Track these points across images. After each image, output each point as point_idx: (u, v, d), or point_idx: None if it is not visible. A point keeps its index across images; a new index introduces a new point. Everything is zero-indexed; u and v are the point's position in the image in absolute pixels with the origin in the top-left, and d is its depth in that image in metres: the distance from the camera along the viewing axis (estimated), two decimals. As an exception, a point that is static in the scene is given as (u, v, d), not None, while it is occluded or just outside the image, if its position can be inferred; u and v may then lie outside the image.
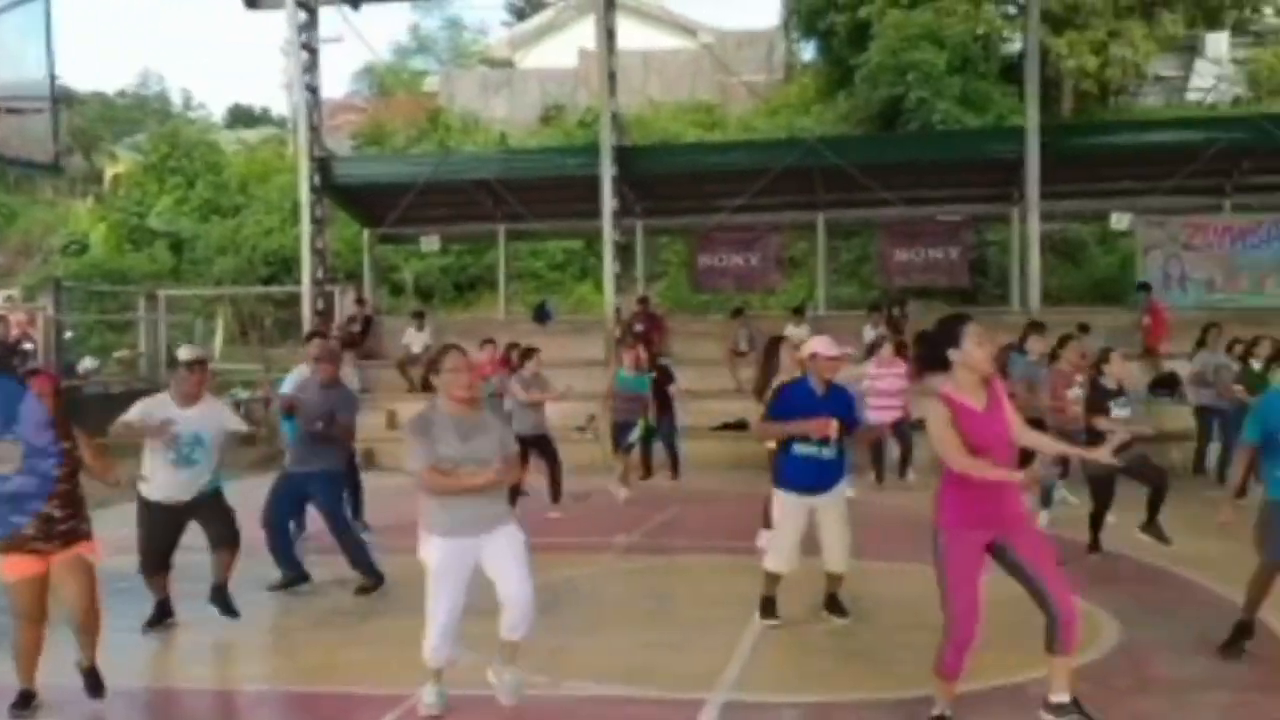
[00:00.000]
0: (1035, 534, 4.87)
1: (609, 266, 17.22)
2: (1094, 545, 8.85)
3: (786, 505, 6.91)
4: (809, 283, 21.02)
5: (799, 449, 6.81)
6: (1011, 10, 25.67)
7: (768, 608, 6.94)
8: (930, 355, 4.87)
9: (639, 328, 17.07)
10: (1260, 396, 6.46)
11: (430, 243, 19.92)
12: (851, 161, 16.75)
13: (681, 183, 18.50)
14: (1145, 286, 16.42)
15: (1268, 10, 28.14)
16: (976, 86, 23.23)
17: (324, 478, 8.29)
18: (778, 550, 6.91)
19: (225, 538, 7.14)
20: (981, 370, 4.76)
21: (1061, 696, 4.82)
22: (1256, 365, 11.45)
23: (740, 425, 16.12)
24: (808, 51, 31.07)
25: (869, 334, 15.18)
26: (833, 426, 6.62)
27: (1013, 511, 4.78)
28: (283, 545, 8.20)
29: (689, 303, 21.83)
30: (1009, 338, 11.02)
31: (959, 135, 20.48)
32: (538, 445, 11.23)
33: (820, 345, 7.00)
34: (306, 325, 18.08)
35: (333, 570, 8.36)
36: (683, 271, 21.56)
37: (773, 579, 6.94)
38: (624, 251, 18.39)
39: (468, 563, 5.25)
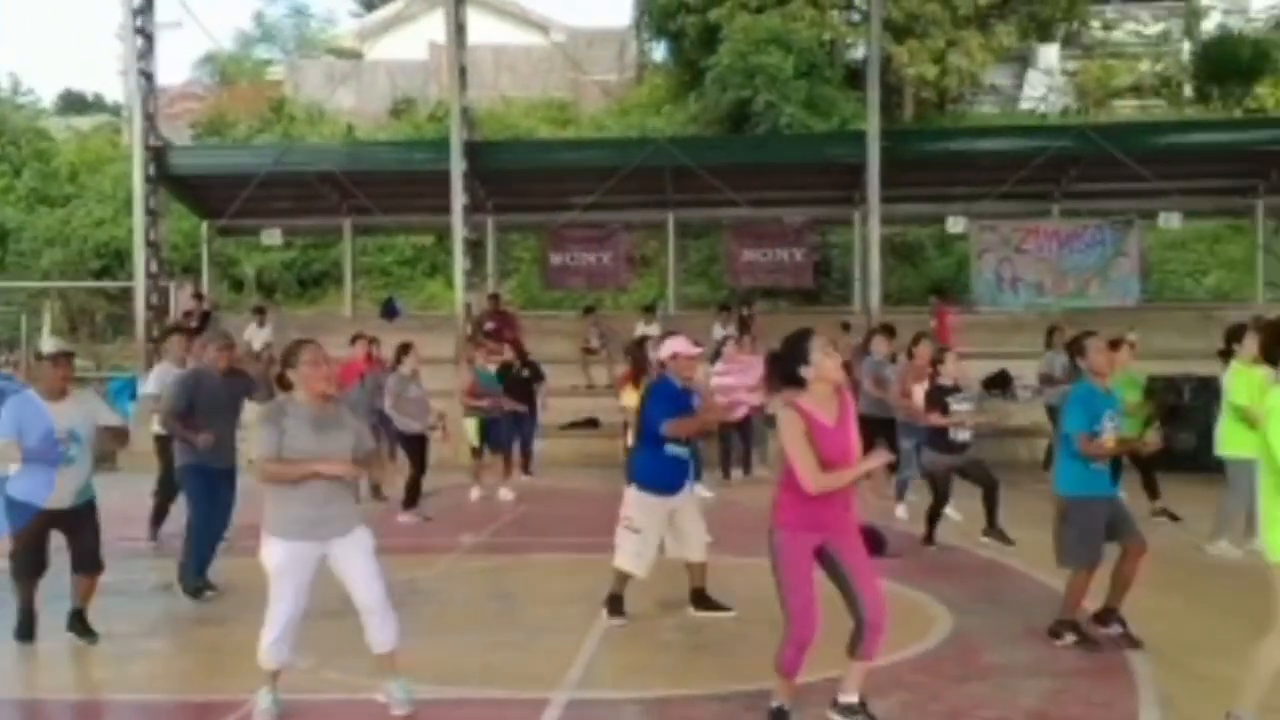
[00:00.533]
0: (860, 542, 4.98)
1: (459, 263, 17.04)
2: (929, 539, 9.16)
3: (649, 506, 6.88)
4: (660, 281, 21.20)
5: (671, 449, 6.84)
6: (855, 18, 26.33)
7: (616, 606, 6.94)
8: (783, 373, 4.92)
9: (490, 325, 16.96)
10: (1075, 388, 6.72)
11: (272, 236, 19.40)
12: (701, 162, 16.96)
13: (533, 179, 18.44)
14: (938, 291, 17.05)
15: (1095, 24, 29.51)
16: (822, 92, 23.75)
17: (232, 474, 7.89)
18: (638, 553, 6.87)
19: (90, 562, 6.64)
20: (833, 379, 4.85)
21: (850, 697, 4.94)
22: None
23: (591, 423, 16.17)
24: (659, 52, 31.30)
25: (718, 332, 15.38)
26: (740, 410, 6.75)
27: (843, 516, 4.89)
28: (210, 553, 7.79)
29: (540, 300, 21.77)
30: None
31: (804, 139, 20.91)
32: (411, 445, 11.10)
33: (680, 345, 7.07)
34: (141, 321, 17.39)
35: (165, 574, 8.07)
36: (534, 268, 21.49)
37: (624, 578, 6.94)
38: (475, 248, 18.23)
39: (309, 566, 5.10)
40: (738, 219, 18.78)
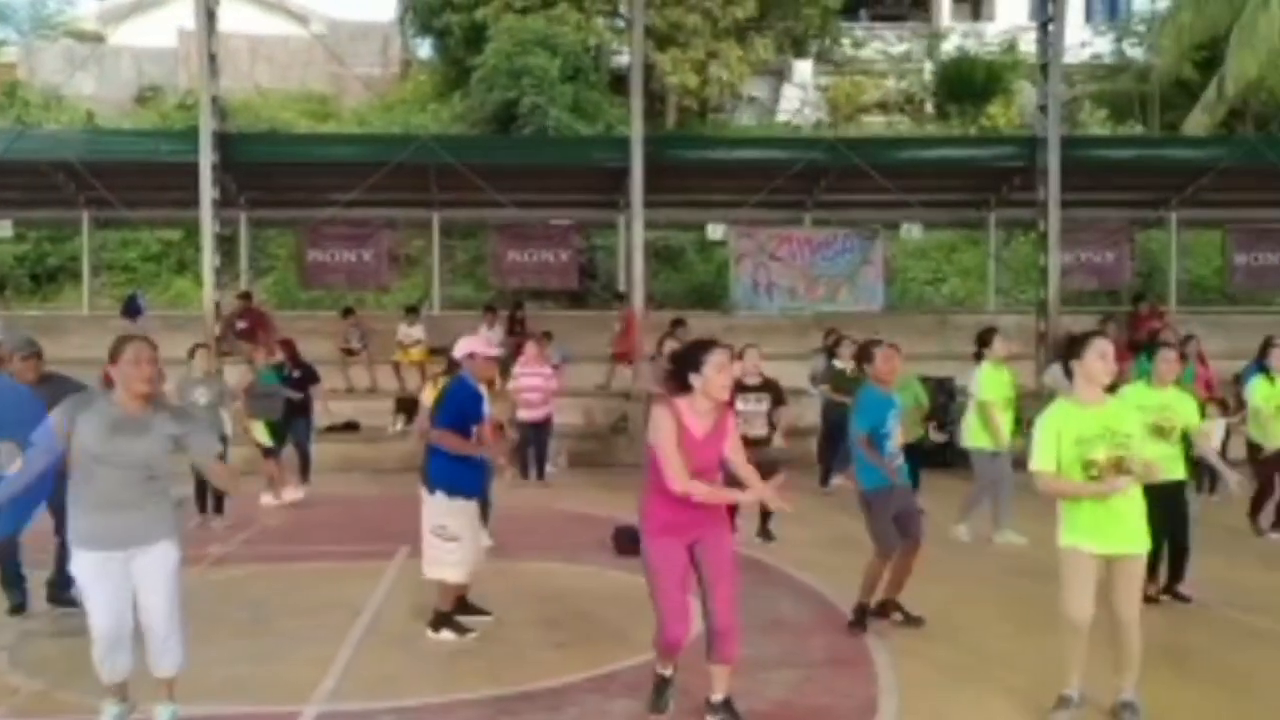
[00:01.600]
0: (726, 548, 5.03)
1: (208, 259, 16.26)
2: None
3: (461, 510, 6.72)
4: (424, 281, 20.88)
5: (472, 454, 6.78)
6: (619, 24, 26.68)
7: (449, 620, 6.69)
8: (676, 376, 4.92)
9: (241, 325, 16.29)
10: (860, 393, 7.09)
11: (2, 228, 18.05)
12: (466, 161, 16.78)
13: (290, 174, 17.80)
14: (619, 296, 17.55)
15: (845, 42, 30.90)
16: (588, 96, 23.94)
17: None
18: (461, 561, 6.69)
19: None
20: (716, 397, 4.86)
21: (717, 696, 5.06)
22: (839, 364, 12.54)
23: (351, 426, 15.77)
24: (424, 49, 30.84)
25: (483, 334, 15.27)
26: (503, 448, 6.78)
27: (711, 517, 4.94)
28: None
29: (297, 299, 21.07)
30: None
31: (570, 142, 21.02)
32: None
33: (478, 345, 7.00)
34: None
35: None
36: (291, 266, 20.76)
37: (451, 592, 6.73)
38: (226, 244, 17.46)
39: (112, 576, 4.74)
40: (504, 220, 18.71)
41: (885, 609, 6.84)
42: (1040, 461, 5.02)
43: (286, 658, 6.28)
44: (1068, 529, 5.05)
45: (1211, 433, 12.14)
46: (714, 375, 4.81)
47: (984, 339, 9.65)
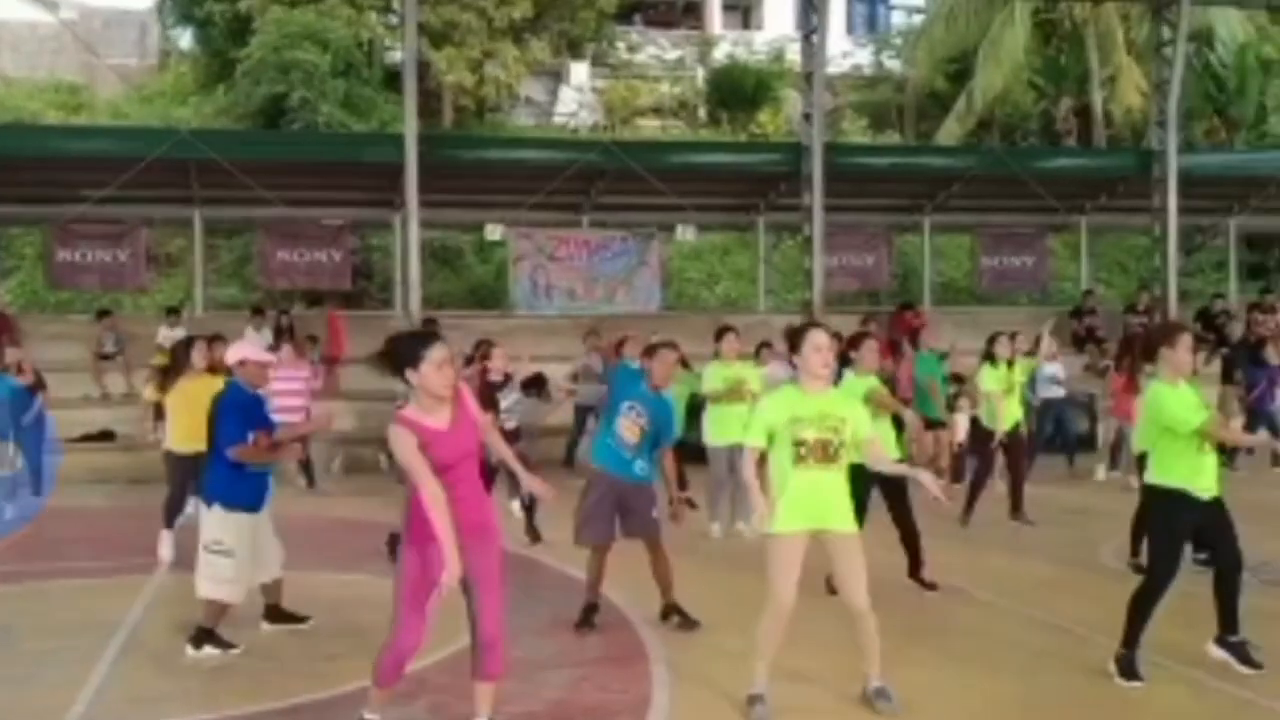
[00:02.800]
0: (495, 553, 4.75)
1: (-55, 259, 15.11)
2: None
3: (238, 525, 6.42)
4: (186, 282, 19.94)
5: (253, 465, 6.49)
6: (393, 20, 26.21)
7: (211, 636, 6.40)
8: (392, 368, 4.63)
9: (-18, 328, 15.20)
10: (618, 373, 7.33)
11: None
12: (231, 157, 16.10)
13: (37, 168, 16.64)
14: (317, 302, 17.48)
15: (621, 46, 31.31)
16: (360, 92, 23.42)
17: None
18: (234, 579, 6.40)
19: None
20: (435, 394, 4.55)
21: (481, 718, 4.79)
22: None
23: (106, 435, 14.95)
24: (185, 39, 29.46)
25: (251, 336, 14.73)
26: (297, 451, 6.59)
27: (478, 524, 4.67)
28: None
29: (45, 301, 19.80)
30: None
31: (340, 138, 20.51)
32: None
33: (249, 351, 6.78)
34: None
35: None
36: (39, 266, 19.46)
37: (219, 610, 6.43)
38: (-35, 242, 16.24)
39: None
40: (272, 218, 18.06)
41: (666, 613, 6.89)
42: (750, 435, 5.31)
43: (33, 681, 5.90)
44: (775, 516, 5.17)
45: (959, 425, 12.95)
46: (431, 373, 4.53)
47: (718, 335, 10.12)
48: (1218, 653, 5.80)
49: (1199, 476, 5.63)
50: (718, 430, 9.79)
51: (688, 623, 6.80)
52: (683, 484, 11.10)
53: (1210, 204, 19.92)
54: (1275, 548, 8.33)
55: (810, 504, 5.17)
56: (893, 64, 32.04)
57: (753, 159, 19.75)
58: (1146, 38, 19.32)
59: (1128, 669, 5.64)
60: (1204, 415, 5.63)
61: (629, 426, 6.80)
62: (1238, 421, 11.57)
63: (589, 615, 6.81)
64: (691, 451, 10.45)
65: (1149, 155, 18.28)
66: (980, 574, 8.23)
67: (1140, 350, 6.20)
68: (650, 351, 7.14)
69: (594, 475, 6.92)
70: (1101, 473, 13.25)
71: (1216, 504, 5.70)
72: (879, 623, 5.25)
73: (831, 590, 5.81)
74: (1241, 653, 5.75)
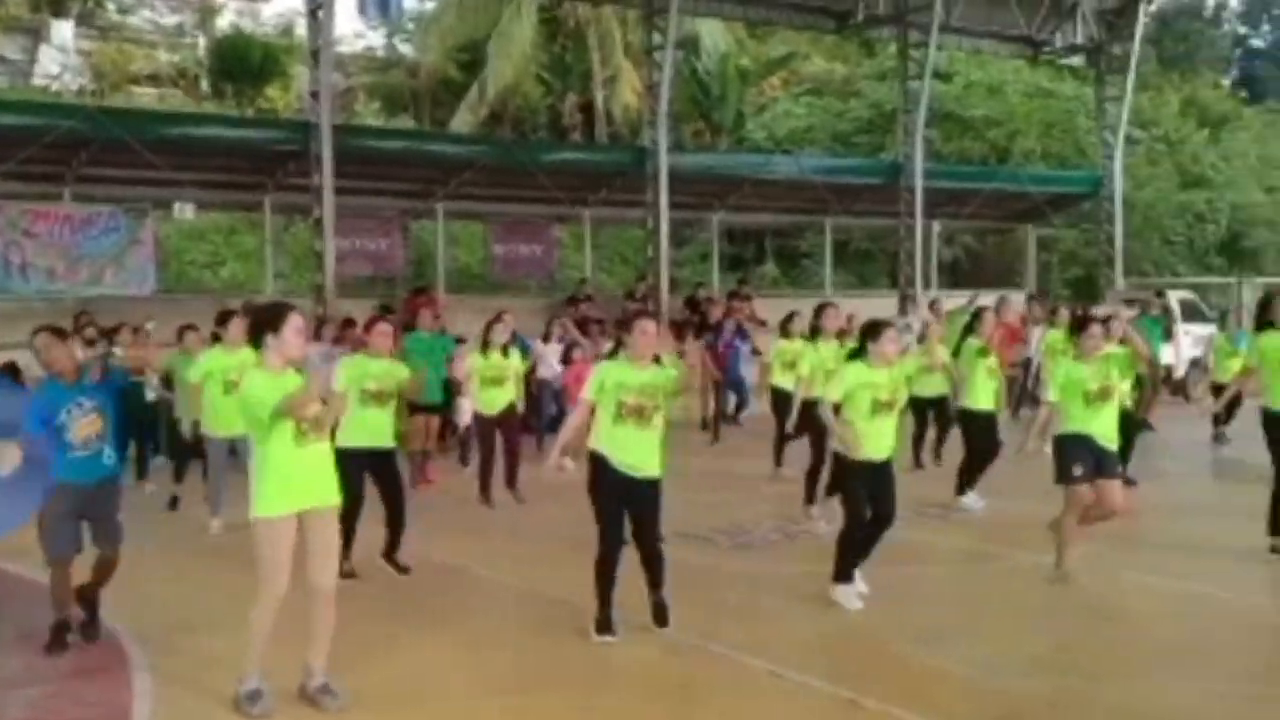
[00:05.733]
0: None
1: None
2: None
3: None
4: None
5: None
6: None
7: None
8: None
9: None
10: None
11: None
12: None
13: None
14: None
15: (111, 7, 28.88)
16: None
17: None
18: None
19: None
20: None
21: None
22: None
23: None
24: None
25: None
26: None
27: None
28: None
29: None
30: None
31: None
32: None
33: None
34: None
35: None
36: None
37: None
38: None
39: None
40: None
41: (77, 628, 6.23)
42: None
43: None
44: (260, 500, 5.01)
45: (464, 410, 13.12)
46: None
47: (219, 320, 9.67)
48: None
49: (621, 448, 6.13)
50: (218, 421, 9.20)
51: (88, 634, 6.20)
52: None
53: (697, 200, 21.68)
54: (746, 515, 9.23)
55: (299, 484, 5.03)
56: (406, 48, 32.04)
57: (259, 135, 18.88)
58: (641, 42, 20.59)
59: (603, 626, 6.13)
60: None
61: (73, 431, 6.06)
62: None
63: (60, 634, 6.06)
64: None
65: (643, 153, 19.54)
66: (480, 553, 8.39)
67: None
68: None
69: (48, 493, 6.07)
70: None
71: (648, 484, 6.16)
72: (366, 607, 5.22)
73: None
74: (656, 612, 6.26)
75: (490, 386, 10.48)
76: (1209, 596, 7.07)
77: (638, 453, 6.09)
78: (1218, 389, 14.02)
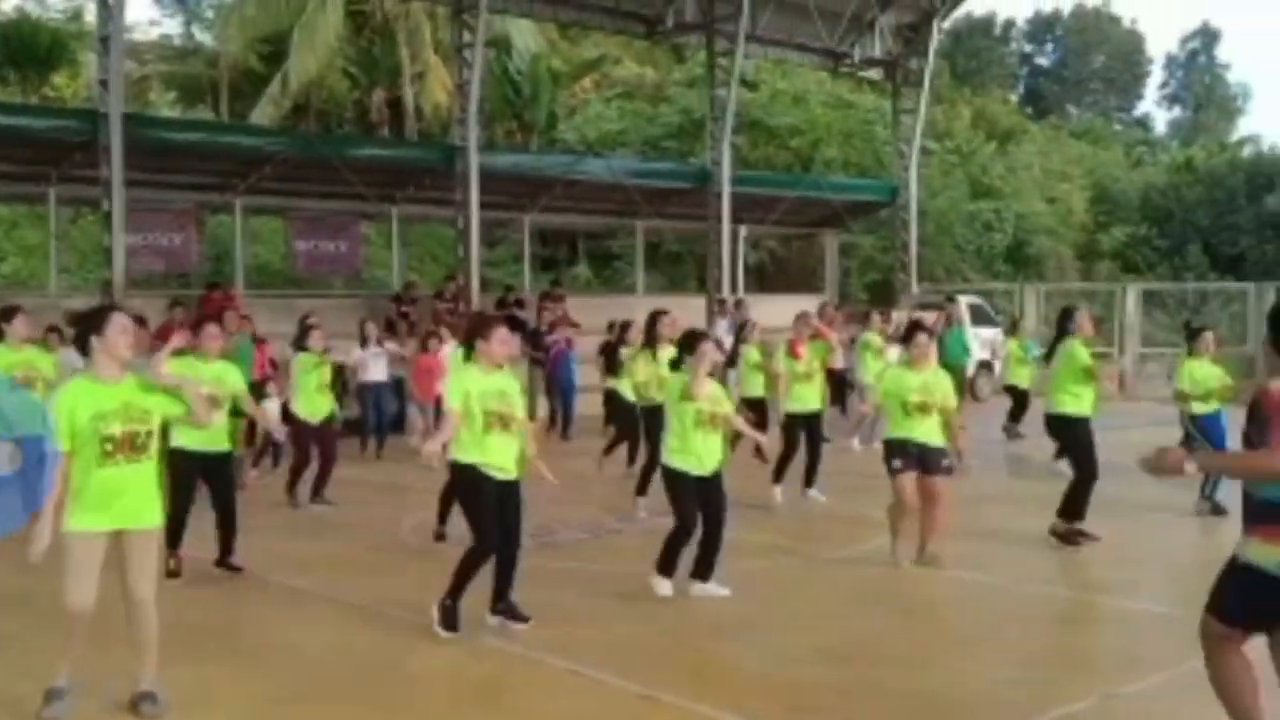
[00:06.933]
0: None
1: None
2: None
3: None
4: None
5: None
6: None
7: None
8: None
9: None
10: None
11: None
12: None
13: None
14: None
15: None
16: None
17: None
18: None
19: None
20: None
21: None
22: None
23: None
24: None
25: None
26: None
27: None
28: None
29: None
30: None
31: None
32: None
33: None
34: None
35: None
36: None
37: None
38: None
39: None
40: None
41: None
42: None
43: None
44: (72, 513, 4.83)
45: (269, 413, 12.75)
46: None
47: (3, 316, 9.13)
48: (492, 619, 6.31)
49: (491, 455, 6.21)
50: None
51: None
52: None
53: (508, 200, 21.53)
54: (555, 514, 9.24)
55: (115, 502, 4.86)
56: (205, 37, 30.84)
57: (43, 124, 17.79)
58: (451, 39, 20.32)
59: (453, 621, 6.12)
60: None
61: None
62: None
63: None
64: None
65: (453, 150, 19.26)
66: (281, 559, 8.11)
67: (464, 337, 6.79)
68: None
69: None
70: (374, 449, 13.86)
71: (515, 486, 6.30)
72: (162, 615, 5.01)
73: None
74: (512, 613, 6.29)
75: (319, 394, 10.45)
76: (1001, 586, 7.47)
77: (503, 456, 6.21)
78: (1011, 390, 14.98)
